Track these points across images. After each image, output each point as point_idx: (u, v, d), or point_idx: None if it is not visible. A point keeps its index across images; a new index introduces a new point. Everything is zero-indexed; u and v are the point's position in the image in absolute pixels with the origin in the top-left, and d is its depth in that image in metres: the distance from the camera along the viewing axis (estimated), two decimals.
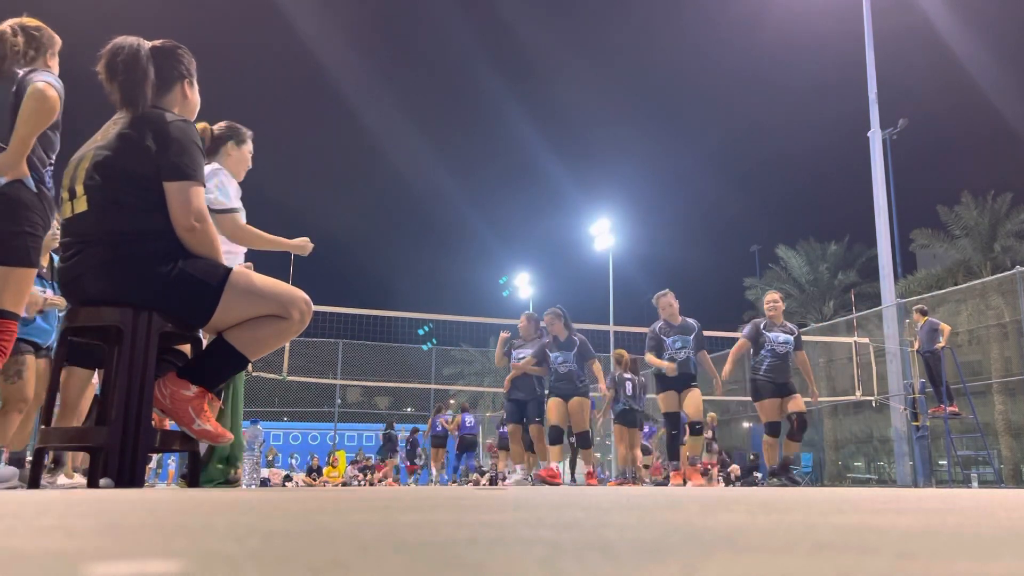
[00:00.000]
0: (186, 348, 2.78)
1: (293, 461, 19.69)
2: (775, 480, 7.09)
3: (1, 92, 2.90)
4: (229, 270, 2.58)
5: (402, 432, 16.74)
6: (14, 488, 3.42)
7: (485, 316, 13.22)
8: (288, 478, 15.44)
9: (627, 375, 10.23)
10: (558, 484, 7.02)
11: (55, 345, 2.79)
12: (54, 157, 3.04)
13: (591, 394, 7.58)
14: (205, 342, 2.77)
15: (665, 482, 10.09)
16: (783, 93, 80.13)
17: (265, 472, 14.43)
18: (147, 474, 4.85)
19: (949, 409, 10.23)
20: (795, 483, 6.83)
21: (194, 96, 2.84)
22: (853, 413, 19.95)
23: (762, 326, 7.19)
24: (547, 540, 0.73)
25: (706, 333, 7.74)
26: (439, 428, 14.79)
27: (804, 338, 8.04)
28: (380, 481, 15.43)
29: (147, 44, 2.66)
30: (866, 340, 13.13)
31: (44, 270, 4.41)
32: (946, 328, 10.53)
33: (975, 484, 10.63)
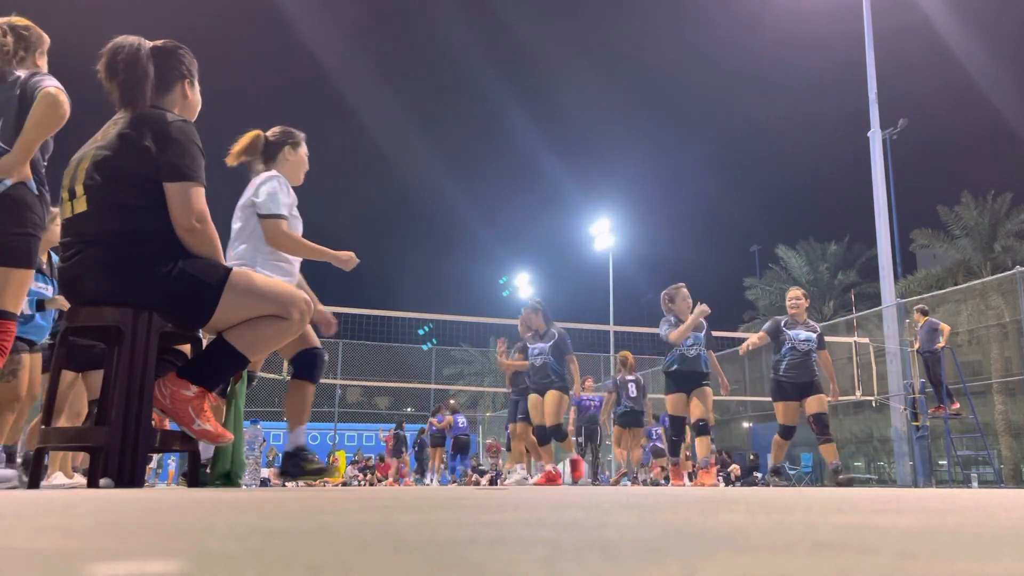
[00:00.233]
0: (186, 348, 2.78)
1: None
2: (776, 478, 6.98)
3: (1, 93, 2.90)
4: (229, 270, 2.58)
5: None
6: (14, 488, 3.43)
7: (485, 316, 13.23)
8: None
9: (630, 377, 10.25)
10: (559, 484, 6.99)
11: (56, 345, 2.78)
12: (47, 158, 3.05)
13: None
14: (205, 342, 2.77)
15: (665, 482, 10.11)
16: (783, 93, 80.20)
17: (265, 472, 14.43)
18: (147, 474, 4.86)
19: (952, 408, 10.22)
20: (847, 484, 6.43)
21: (195, 96, 2.83)
22: (853, 413, 19.94)
23: (783, 323, 6.93)
24: (547, 540, 0.73)
25: None
26: (434, 428, 14.98)
27: None
28: (397, 481, 15.50)
29: (148, 44, 2.66)
30: (866, 340, 13.13)
31: (45, 266, 4.42)
32: (946, 328, 10.53)
33: (975, 484, 10.64)
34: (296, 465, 3.30)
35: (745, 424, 20.72)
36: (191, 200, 2.51)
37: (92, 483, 2.50)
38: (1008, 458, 16.52)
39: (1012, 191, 20.95)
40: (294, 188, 3.68)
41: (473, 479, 14.68)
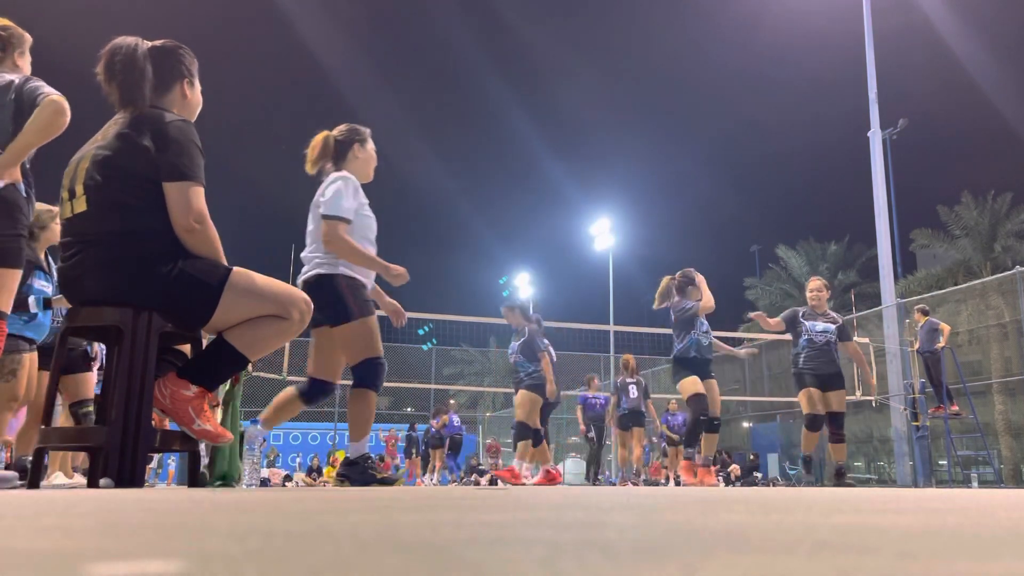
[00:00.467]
0: (186, 348, 2.78)
1: (299, 460, 19.74)
2: (803, 472, 6.76)
3: None
4: (229, 270, 2.58)
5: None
6: (14, 488, 3.42)
7: (485, 316, 13.18)
8: (288, 478, 15.46)
9: (631, 380, 10.27)
10: (558, 482, 6.96)
11: (56, 345, 2.79)
12: (29, 160, 3.07)
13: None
14: (205, 342, 2.77)
15: (666, 483, 10.10)
16: (783, 93, 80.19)
17: (265, 472, 14.44)
18: (147, 474, 4.86)
19: (951, 409, 10.21)
20: (850, 485, 6.38)
21: (195, 96, 2.83)
22: (853, 413, 19.88)
23: (801, 314, 6.74)
24: (547, 540, 0.73)
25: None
26: (433, 430, 15.17)
27: None
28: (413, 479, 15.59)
29: (146, 44, 2.66)
30: (866, 340, 13.11)
31: (44, 265, 4.42)
32: (946, 328, 10.52)
33: (975, 484, 10.63)
34: (362, 472, 3.31)
35: (745, 424, 20.70)
36: (190, 200, 2.51)
37: (92, 483, 2.50)
38: (1008, 458, 16.52)
39: (1012, 191, 20.97)
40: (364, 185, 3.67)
41: (473, 479, 14.70)
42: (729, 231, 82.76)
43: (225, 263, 2.64)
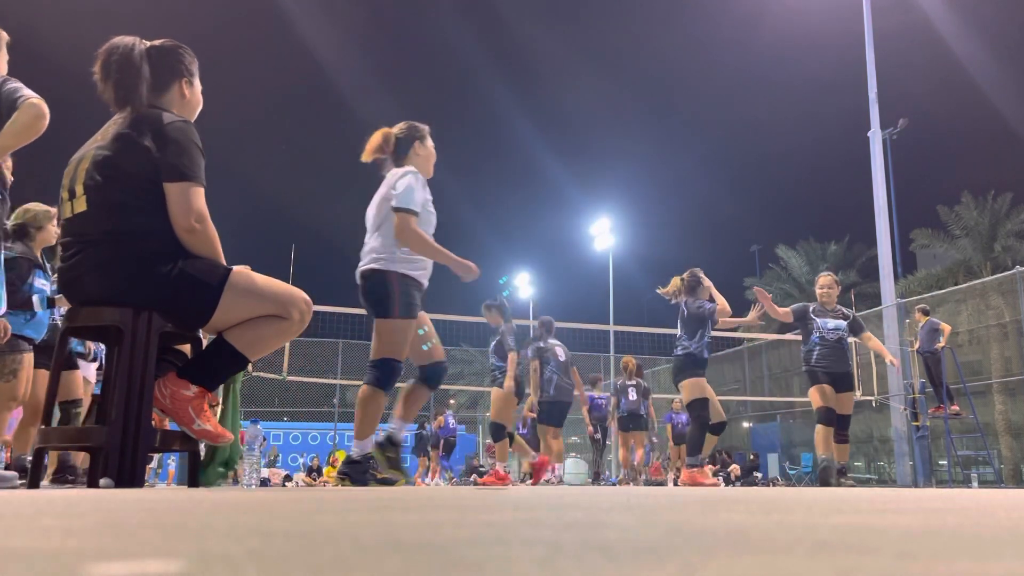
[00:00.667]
0: (186, 348, 2.78)
1: (301, 460, 19.77)
2: (835, 481, 6.40)
3: None
4: (229, 270, 2.58)
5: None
6: (14, 488, 3.42)
7: None
8: (288, 478, 15.47)
9: (630, 382, 10.27)
10: (507, 484, 6.89)
11: (56, 345, 2.79)
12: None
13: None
14: (205, 342, 2.77)
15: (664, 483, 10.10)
16: (783, 93, 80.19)
17: (265, 472, 14.44)
18: (147, 474, 4.86)
19: (951, 409, 10.21)
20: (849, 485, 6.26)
21: (194, 96, 2.82)
22: (853, 413, 19.93)
23: (812, 310, 6.62)
24: (547, 540, 0.73)
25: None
26: (430, 430, 15.30)
27: None
28: (422, 479, 15.61)
29: (144, 44, 2.65)
30: None
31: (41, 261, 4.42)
32: (946, 328, 10.52)
33: (975, 484, 10.63)
34: (363, 472, 3.56)
35: (745, 424, 20.69)
36: (190, 200, 2.50)
37: (92, 483, 2.50)
38: (1008, 458, 16.51)
39: (1012, 191, 20.95)
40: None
41: (473, 479, 14.73)
42: (729, 231, 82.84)
43: (224, 263, 2.64)
